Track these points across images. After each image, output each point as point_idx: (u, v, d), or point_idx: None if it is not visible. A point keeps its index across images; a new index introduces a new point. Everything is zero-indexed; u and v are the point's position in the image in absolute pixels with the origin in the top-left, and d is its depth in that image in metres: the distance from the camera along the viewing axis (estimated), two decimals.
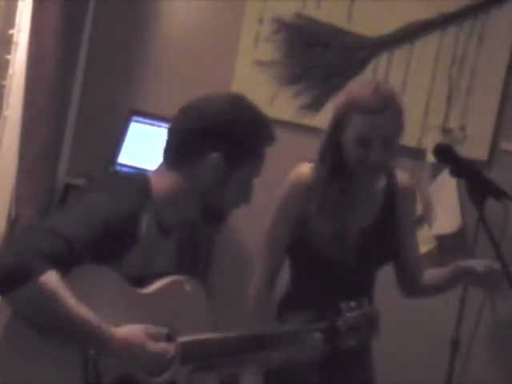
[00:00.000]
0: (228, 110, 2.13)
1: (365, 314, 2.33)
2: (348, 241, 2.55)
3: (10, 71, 4.10)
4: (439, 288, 2.70)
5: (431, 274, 2.70)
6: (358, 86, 2.54)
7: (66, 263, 1.90)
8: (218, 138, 2.11)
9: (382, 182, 2.64)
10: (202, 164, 2.11)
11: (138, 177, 2.18)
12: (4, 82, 4.10)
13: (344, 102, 2.52)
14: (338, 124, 2.52)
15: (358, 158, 2.49)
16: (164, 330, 2.06)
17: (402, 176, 2.68)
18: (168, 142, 2.18)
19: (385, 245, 2.63)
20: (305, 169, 2.59)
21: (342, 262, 2.56)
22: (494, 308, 3.66)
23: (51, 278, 1.87)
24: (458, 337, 2.60)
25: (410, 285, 2.73)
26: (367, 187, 2.61)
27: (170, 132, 2.18)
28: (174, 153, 2.16)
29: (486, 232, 2.44)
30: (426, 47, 3.92)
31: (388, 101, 2.48)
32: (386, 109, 2.46)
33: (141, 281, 2.09)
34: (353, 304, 2.31)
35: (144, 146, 4.14)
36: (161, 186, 2.13)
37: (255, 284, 2.62)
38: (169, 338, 2.07)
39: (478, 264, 2.55)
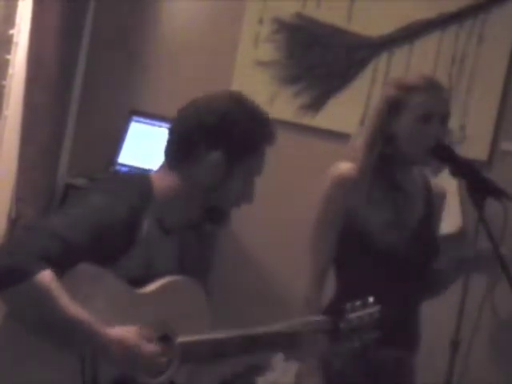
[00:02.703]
0: (226, 106, 2.13)
1: (369, 314, 2.30)
2: (407, 229, 2.58)
3: (10, 71, 4.10)
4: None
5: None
6: (404, 77, 2.66)
7: (60, 264, 1.89)
8: (217, 135, 2.11)
9: (419, 182, 2.67)
10: (203, 163, 2.11)
11: (140, 178, 2.18)
12: (4, 82, 4.09)
13: (396, 89, 2.58)
14: (390, 113, 2.57)
15: (419, 135, 2.54)
16: (157, 333, 2.03)
17: (435, 181, 2.71)
18: (168, 142, 2.18)
19: (433, 241, 2.66)
20: (344, 165, 2.60)
21: (397, 252, 2.57)
22: (493, 308, 3.66)
23: (45, 278, 1.86)
24: (458, 337, 2.60)
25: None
26: (410, 179, 2.63)
27: (170, 132, 2.18)
28: (175, 153, 2.16)
29: (486, 232, 2.43)
30: (426, 47, 3.92)
31: (439, 83, 2.59)
32: (441, 88, 2.58)
33: (141, 281, 2.08)
34: (357, 304, 2.27)
35: (144, 146, 4.14)
36: (163, 186, 2.13)
37: (305, 284, 2.61)
38: (167, 339, 2.07)
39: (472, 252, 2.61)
